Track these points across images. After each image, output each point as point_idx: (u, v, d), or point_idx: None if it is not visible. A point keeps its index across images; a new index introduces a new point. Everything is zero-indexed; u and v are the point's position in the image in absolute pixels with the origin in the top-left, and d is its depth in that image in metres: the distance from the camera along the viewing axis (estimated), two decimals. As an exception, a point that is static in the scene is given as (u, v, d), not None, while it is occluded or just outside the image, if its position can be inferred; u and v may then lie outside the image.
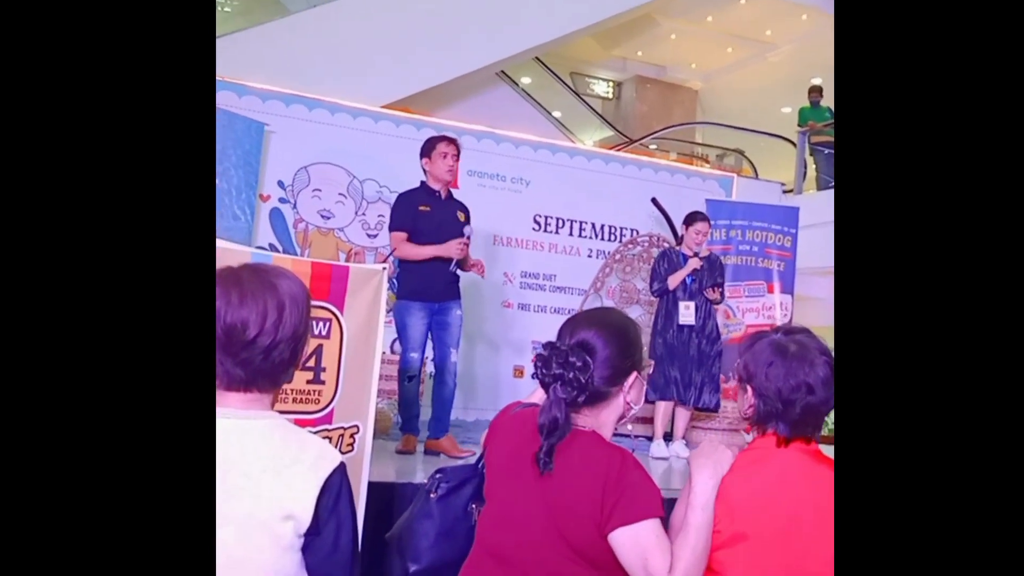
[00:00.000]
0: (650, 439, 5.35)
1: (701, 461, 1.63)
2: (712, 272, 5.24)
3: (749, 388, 1.69)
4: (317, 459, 1.32)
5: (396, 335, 4.71)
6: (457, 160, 4.52)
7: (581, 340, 1.60)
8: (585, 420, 1.61)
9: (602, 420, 1.63)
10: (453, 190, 4.75)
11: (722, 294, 5.34)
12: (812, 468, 1.64)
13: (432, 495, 1.83)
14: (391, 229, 4.49)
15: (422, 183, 4.54)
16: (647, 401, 5.15)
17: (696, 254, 5.21)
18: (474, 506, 1.80)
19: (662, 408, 5.20)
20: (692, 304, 5.15)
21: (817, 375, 1.62)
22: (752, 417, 1.70)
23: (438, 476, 1.86)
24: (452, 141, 4.54)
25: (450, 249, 4.31)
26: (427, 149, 4.51)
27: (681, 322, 5.14)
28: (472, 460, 1.92)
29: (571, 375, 1.55)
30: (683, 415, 5.27)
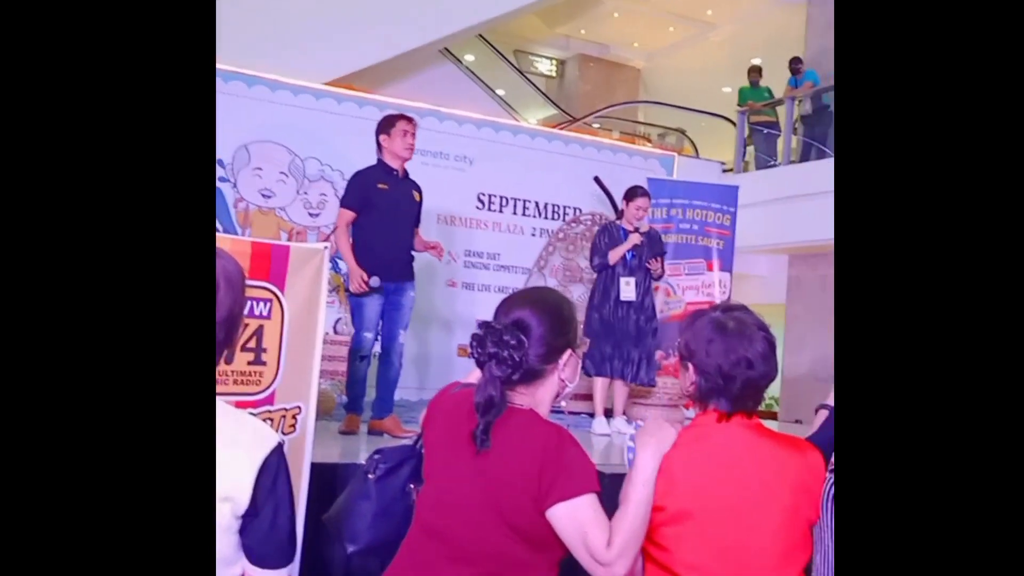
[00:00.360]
0: (591, 415, 5.41)
1: (644, 439, 1.67)
2: (652, 247, 5.24)
3: (691, 365, 1.73)
4: (254, 440, 1.32)
5: (341, 315, 4.68)
6: (414, 138, 4.46)
7: (516, 319, 1.63)
8: (521, 398, 1.63)
9: (538, 398, 1.66)
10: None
11: (663, 267, 5.36)
12: (755, 442, 1.68)
13: (370, 475, 1.84)
14: (342, 204, 4.41)
15: (379, 160, 4.46)
16: (585, 375, 5.17)
17: (636, 229, 5.20)
18: (412, 486, 1.81)
19: (600, 384, 5.21)
20: (632, 280, 5.14)
21: (756, 350, 1.67)
22: (694, 394, 1.74)
23: (376, 457, 1.87)
24: (411, 120, 4.49)
25: (354, 278, 4.27)
26: (386, 126, 4.44)
27: (622, 298, 5.13)
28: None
29: (505, 353, 1.57)
30: (621, 391, 5.30)
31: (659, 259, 5.26)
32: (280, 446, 1.34)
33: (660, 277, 5.42)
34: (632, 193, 5.32)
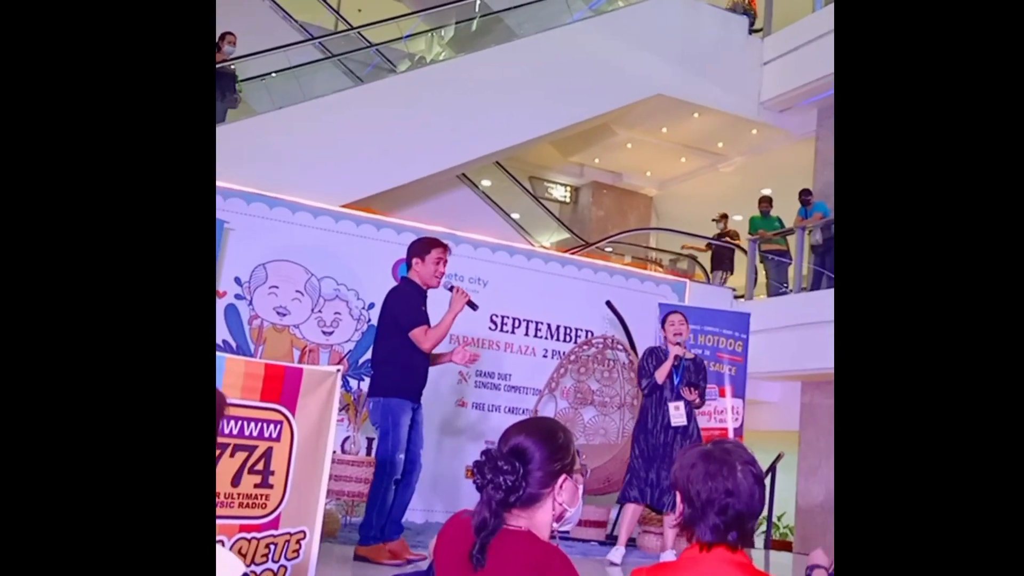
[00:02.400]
0: (600, 543, 5.28)
1: None
2: (697, 372, 5.18)
3: (678, 493, 1.75)
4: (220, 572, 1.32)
5: (349, 434, 4.62)
6: (446, 266, 4.46)
7: (513, 446, 1.72)
8: (520, 520, 1.71)
9: (536, 521, 1.73)
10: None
11: (702, 396, 5.23)
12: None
13: None
14: (409, 327, 4.22)
15: (409, 280, 4.41)
16: (625, 501, 5.08)
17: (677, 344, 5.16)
18: None
19: (630, 511, 5.08)
20: (681, 404, 5.07)
21: (736, 479, 1.68)
22: (681, 522, 1.75)
23: None
24: (447, 248, 4.49)
25: (459, 301, 4.27)
26: (421, 250, 4.41)
27: (673, 423, 5.04)
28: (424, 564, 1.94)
29: (500, 479, 1.67)
30: (631, 519, 5.16)
31: (694, 388, 5.14)
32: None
33: (699, 406, 5.30)
34: (665, 317, 5.34)
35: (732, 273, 9.94)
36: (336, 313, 6.21)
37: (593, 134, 11.32)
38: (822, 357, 7.80)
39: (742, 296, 9.09)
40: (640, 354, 5.50)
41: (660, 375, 5.09)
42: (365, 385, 6.06)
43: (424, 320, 4.28)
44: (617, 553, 5.03)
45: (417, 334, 4.21)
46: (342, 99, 8.08)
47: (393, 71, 9.17)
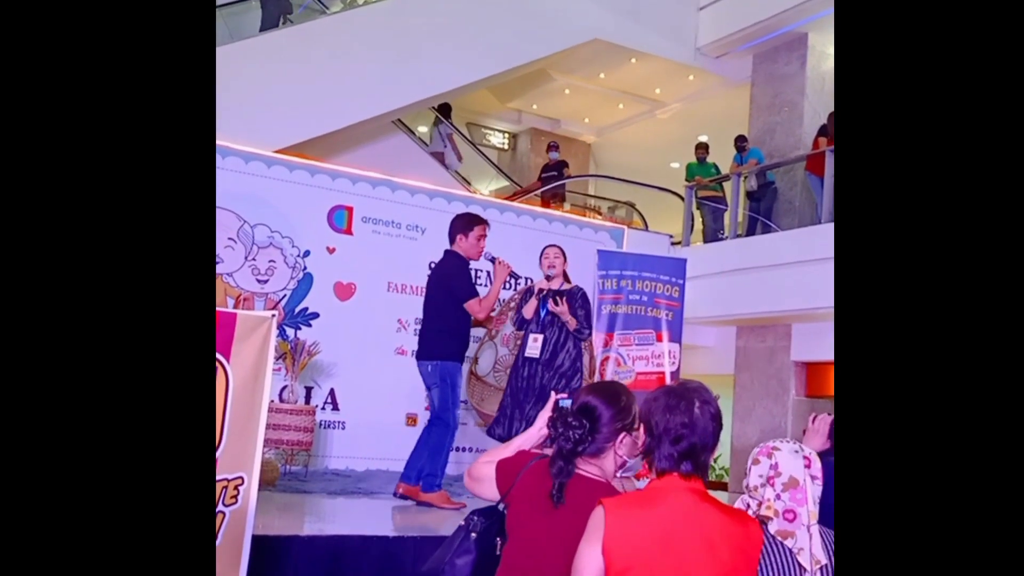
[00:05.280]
0: None
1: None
2: (572, 300, 5.11)
3: (642, 425, 1.92)
4: None
5: (287, 383, 4.57)
6: (485, 241, 4.93)
7: (583, 404, 2.03)
8: (589, 467, 2.02)
9: (604, 468, 2.04)
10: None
11: (576, 318, 5.08)
12: (699, 505, 1.78)
13: (473, 534, 2.14)
14: (465, 299, 4.73)
15: (454, 253, 4.89)
16: (491, 436, 5.14)
17: (548, 278, 5.19)
18: (499, 540, 2.14)
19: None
20: (541, 336, 5.04)
21: (693, 414, 1.83)
22: (642, 452, 1.94)
23: (475, 517, 2.17)
24: (487, 224, 4.96)
25: (503, 272, 4.87)
26: (464, 227, 4.89)
27: (527, 354, 5.02)
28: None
29: (569, 433, 1.99)
30: None
31: (561, 297, 5.07)
32: None
33: (584, 337, 5.22)
34: (543, 251, 5.35)
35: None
36: (271, 261, 6.08)
37: (531, 80, 11.22)
38: (757, 302, 7.97)
39: (679, 243, 9.18)
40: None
41: (527, 309, 5.15)
42: (302, 334, 5.99)
43: (475, 292, 4.78)
44: None
45: (472, 305, 4.72)
46: (272, 40, 7.82)
47: (324, 12, 8.90)
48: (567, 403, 2.11)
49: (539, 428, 2.15)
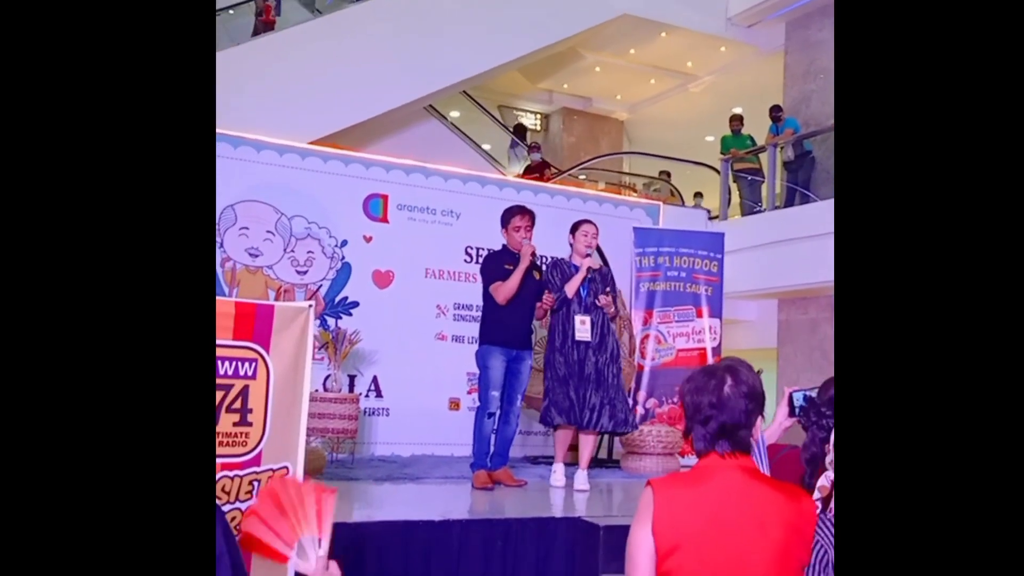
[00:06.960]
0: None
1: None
2: (604, 283, 4.98)
3: (682, 407, 1.88)
4: None
5: (331, 372, 4.63)
6: (531, 231, 4.96)
7: (832, 396, 2.06)
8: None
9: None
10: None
11: (615, 303, 5.03)
12: (749, 483, 1.75)
13: None
14: (487, 285, 4.92)
15: (504, 246, 5.04)
16: (547, 425, 4.92)
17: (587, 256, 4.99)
18: None
19: (560, 434, 4.92)
20: (588, 318, 4.84)
21: (722, 393, 1.79)
22: (684, 431, 1.89)
23: None
24: (524, 215, 4.97)
25: (525, 255, 4.82)
26: (504, 220, 5.01)
27: (578, 338, 4.79)
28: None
29: (824, 422, 2.08)
30: (587, 442, 4.92)
31: (609, 294, 4.94)
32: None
33: (615, 316, 5.09)
34: (576, 224, 5.11)
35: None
36: (309, 252, 6.15)
37: (560, 59, 11.14)
38: (797, 274, 7.85)
39: (716, 217, 9.08)
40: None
41: (570, 288, 4.86)
42: (343, 323, 6.05)
43: (499, 277, 4.88)
44: (558, 476, 4.92)
45: (491, 290, 4.89)
46: (302, 32, 7.86)
47: (353, 1, 8.92)
48: (799, 395, 2.31)
49: (779, 423, 2.37)
